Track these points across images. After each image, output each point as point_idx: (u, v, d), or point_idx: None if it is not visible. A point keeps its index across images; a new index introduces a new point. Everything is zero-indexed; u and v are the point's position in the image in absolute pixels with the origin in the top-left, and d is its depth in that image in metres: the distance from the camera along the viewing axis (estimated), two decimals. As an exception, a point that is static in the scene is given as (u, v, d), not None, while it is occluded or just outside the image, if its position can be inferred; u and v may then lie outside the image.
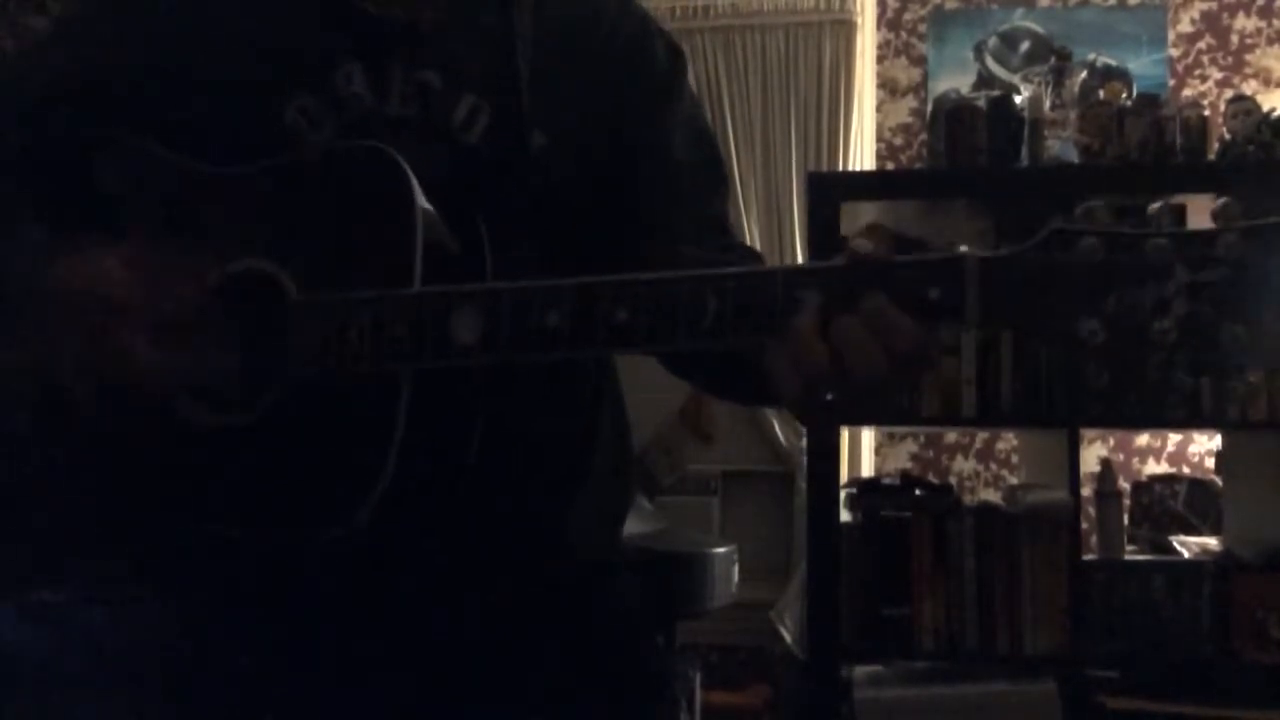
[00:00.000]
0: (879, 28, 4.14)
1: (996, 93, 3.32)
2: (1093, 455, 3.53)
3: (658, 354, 0.89)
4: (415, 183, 0.87)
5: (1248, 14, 3.92)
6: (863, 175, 3.73)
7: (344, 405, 0.88)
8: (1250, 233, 0.71)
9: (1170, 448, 3.72)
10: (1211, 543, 2.83)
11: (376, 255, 0.88)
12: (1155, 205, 0.75)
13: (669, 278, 0.82)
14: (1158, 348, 0.73)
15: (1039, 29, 4.02)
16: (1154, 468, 3.68)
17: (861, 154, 4.00)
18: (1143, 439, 3.72)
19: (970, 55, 4.07)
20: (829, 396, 0.79)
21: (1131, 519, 3.14)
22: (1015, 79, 3.97)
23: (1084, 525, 2.69)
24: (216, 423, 0.89)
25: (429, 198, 0.88)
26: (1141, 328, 0.73)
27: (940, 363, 2.55)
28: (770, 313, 0.78)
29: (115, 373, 0.88)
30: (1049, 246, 0.75)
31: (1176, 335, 0.72)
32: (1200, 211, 2.30)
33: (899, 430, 3.84)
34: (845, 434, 3.15)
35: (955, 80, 4.04)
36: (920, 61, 4.11)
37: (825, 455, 2.59)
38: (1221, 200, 0.73)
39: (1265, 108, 2.72)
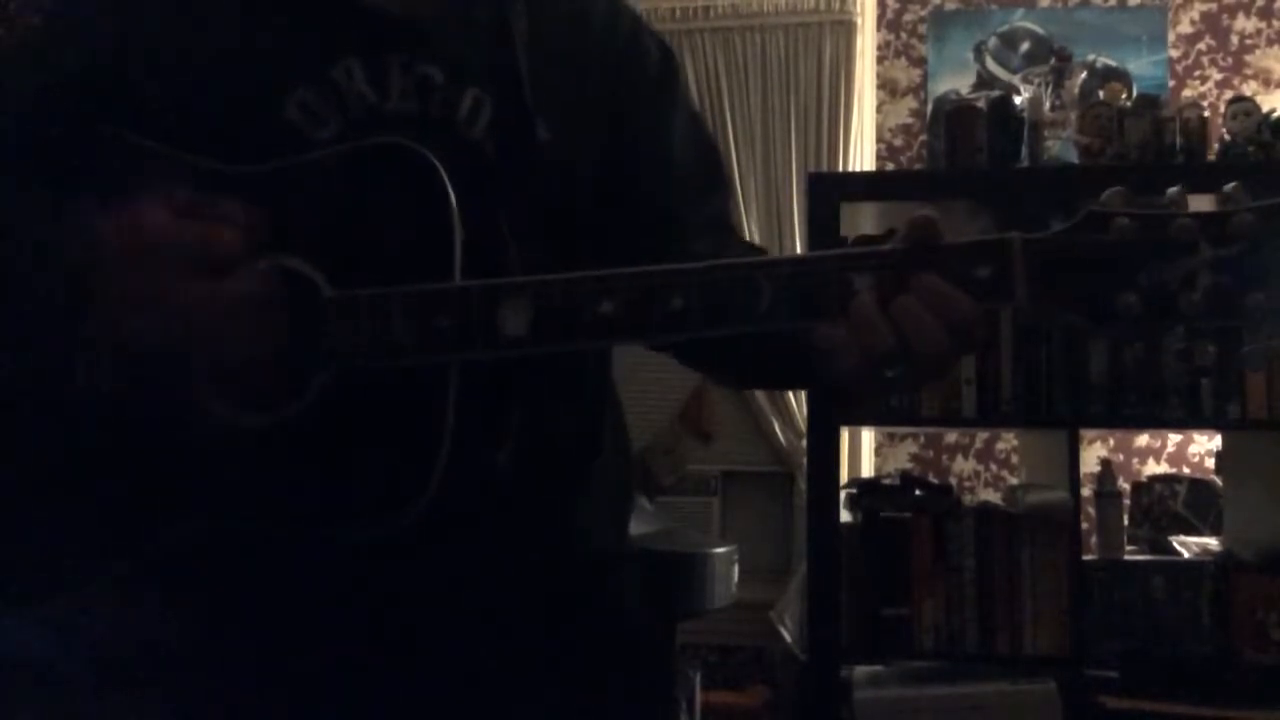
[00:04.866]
0: (879, 28, 4.14)
1: (996, 93, 3.32)
2: (1093, 455, 3.53)
3: (707, 339, 0.90)
4: (448, 180, 0.87)
5: (1248, 15, 3.92)
6: (863, 175, 3.73)
7: (385, 401, 0.87)
8: (1263, 211, 0.78)
9: (1170, 448, 3.73)
10: (1211, 543, 2.83)
11: (411, 253, 0.88)
12: (1173, 189, 0.81)
13: (722, 265, 0.85)
14: (1187, 317, 0.79)
15: (1039, 30, 4.02)
16: (1154, 468, 3.69)
17: (861, 154, 4.00)
18: (1143, 439, 3.73)
19: (970, 56, 4.07)
20: (891, 374, 0.82)
21: (1131, 519, 3.14)
22: (1015, 80, 3.97)
23: (1084, 525, 2.69)
24: (251, 423, 0.88)
25: None
26: (1172, 299, 0.79)
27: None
28: (824, 297, 0.82)
29: (144, 371, 0.87)
30: (1085, 227, 0.81)
31: (1204, 305, 0.79)
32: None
33: (899, 430, 3.84)
34: (845, 434, 3.15)
35: (955, 81, 4.04)
36: (920, 62, 4.11)
37: (825, 455, 2.59)
38: (1230, 184, 0.80)
39: (1265, 108, 2.72)
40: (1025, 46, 4.03)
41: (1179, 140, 2.63)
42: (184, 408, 0.87)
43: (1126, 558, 2.71)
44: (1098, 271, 0.80)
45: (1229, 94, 3.69)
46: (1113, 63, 3.91)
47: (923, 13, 4.12)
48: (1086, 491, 2.88)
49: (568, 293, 0.84)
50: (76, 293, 0.85)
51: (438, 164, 0.87)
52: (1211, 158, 2.68)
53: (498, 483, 0.93)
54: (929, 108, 3.92)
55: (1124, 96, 2.85)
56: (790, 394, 3.86)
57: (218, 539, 0.90)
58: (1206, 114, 2.76)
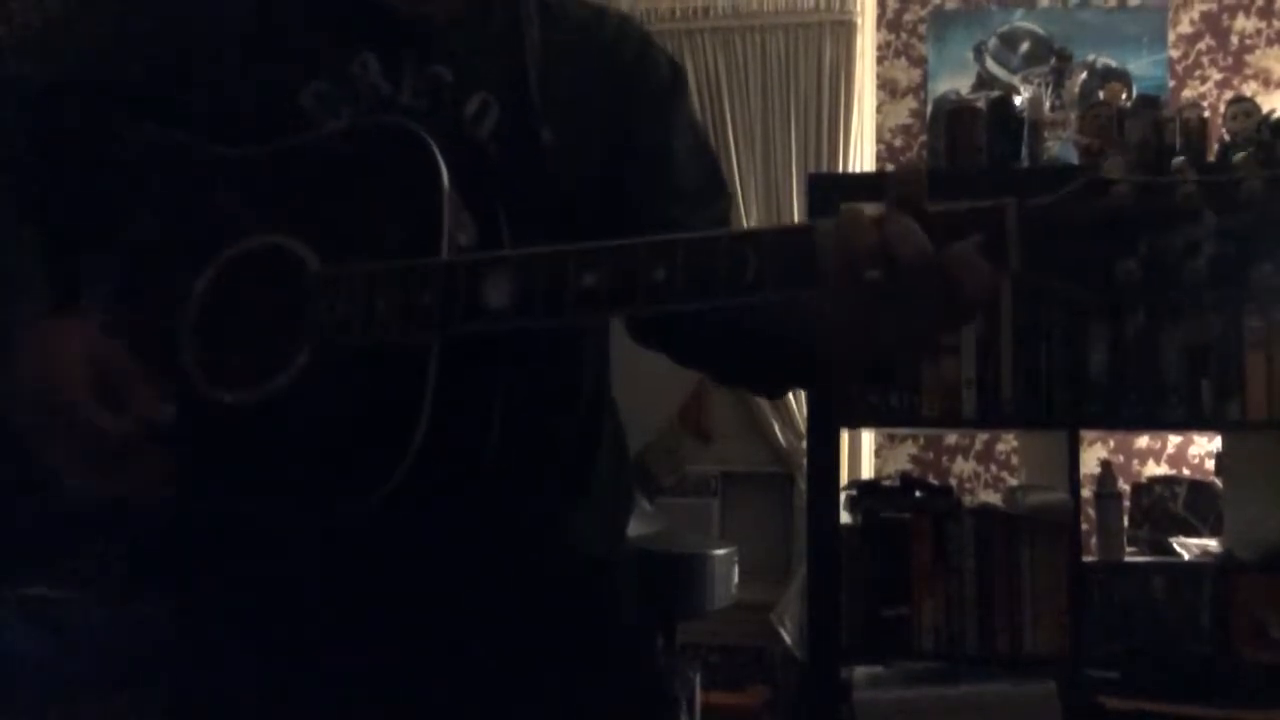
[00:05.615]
0: (879, 28, 4.14)
1: (996, 93, 3.32)
2: (1093, 456, 3.53)
3: (690, 328, 0.89)
4: (440, 157, 0.87)
5: (1248, 15, 3.92)
6: (863, 175, 3.73)
7: (368, 378, 0.88)
8: (1272, 180, 0.75)
9: (1170, 449, 3.72)
10: (1211, 544, 2.83)
11: (401, 229, 0.88)
12: (1178, 159, 0.78)
13: (706, 235, 0.83)
14: (1190, 286, 0.77)
15: (1039, 30, 4.02)
16: (1154, 469, 3.68)
17: (861, 154, 4.00)
18: (1143, 440, 3.73)
19: (970, 56, 4.07)
20: (875, 275, 0.77)
21: (1131, 520, 3.14)
22: (1015, 80, 3.97)
23: (1084, 526, 2.69)
24: (235, 399, 0.89)
25: None
26: (1175, 268, 0.77)
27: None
28: (810, 262, 0.79)
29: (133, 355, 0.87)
30: (1084, 194, 0.78)
31: (1207, 274, 0.76)
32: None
33: (899, 432, 3.84)
34: (845, 435, 3.15)
35: (955, 81, 4.04)
36: (920, 62, 4.11)
37: (825, 456, 2.59)
38: (1241, 153, 0.77)
39: (1265, 109, 2.72)
40: (1025, 46, 4.02)
41: (1179, 140, 2.63)
42: (166, 388, 0.88)
43: (1126, 559, 2.71)
44: (1096, 238, 0.77)
45: (1229, 94, 3.69)
46: (1113, 63, 3.91)
47: (923, 13, 4.12)
48: (1086, 493, 2.88)
49: (551, 266, 0.83)
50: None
51: (432, 143, 0.88)
52: (1211, 158, 2.67)
53: (485, 479, 0.92)
54: (929, 108, 3.92)
55: (1124, 96, 2.85)
56: (790, 394, 3.86)
57: (209, 532, 0.91)
58: (1206, 114, 2.76)
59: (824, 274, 0.79)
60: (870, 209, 0.80)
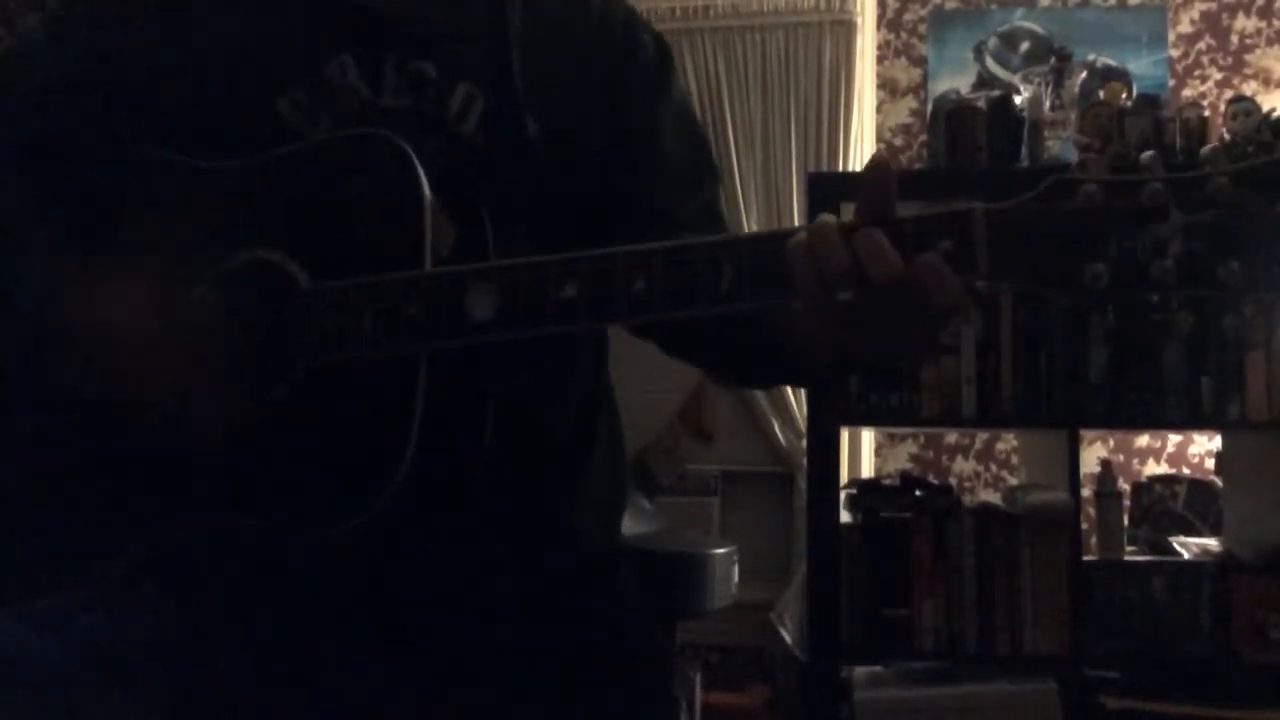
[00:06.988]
0: (879, 28, 4.14)
1: (996, 93, 3.32)
2: (1093, 456, 3.53)
3: (676, 324, 0.89)
4: (420, 169, 0.87)
5: (1248, 14, 3.92)
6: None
7: (360, 393, 0.88)
8: (1239, 175, 0.74)
9: (1170, 448, 3.72)
10: (1211, 543, 2.83)
11: (385, 243, 0.88)
12: (1147, 154, 0.77)
13: (684, 245, 0.83)
14: (1158, 287, 0.76)
15: (1039, 29, 4.02)
16: (1154, 468, 3.68)
17: (861, 154, 4.00)
18: (1143, 439, 3.73)
19: (970, 56, 4.07)
20: (846, 295, 0.77)
21: (1131, 520, 3.14)
22: (1015, 79, 3.97)
23: (1084, 526, 2.69)
24: (228, 416, 0.89)
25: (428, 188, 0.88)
26: (1143, 268, 0.75)
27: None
28: (785, 273, 0.78)
29: (125, 373, 0.88)
30: (1051, 195, 0.77)
31: (1175, 274, 0.75)
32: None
33: (899, 431, 3.84)
34: (845, 434, 3.15)
35: (955, 81, 4.04)
36: (920, 62, 4.11)
37: (825, 455, 2.59)
38: (1210, 146, 0.75)
39: (1265, 108, 2.72)
40: (1025, 46, 4.02)
41: (1179, 140, 2.63)
42: (160, 408, 0.89)
43: (1126, 558, 2.71)
44: (1064, 242, 0.76)
45: (1229, 94, 3.69)
46: (1113, 62, 3.91)
47: (923, 12, 4.12)
48: (1086, 492, 2.88)
49: (532, 277, 0.84)
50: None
51: (410, 151, 0.88)
52: (1211, 157, 2.67)
53: (479, 479, 0.92)
54: (929, 107, 3.92)
55: (1124, 96, 2.85)
56: (790, 394, 3.86)
57: (201, 537, 0.91)
58: (1206, 114, 2.76)
59: (798, 285, 0.78)
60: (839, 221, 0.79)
